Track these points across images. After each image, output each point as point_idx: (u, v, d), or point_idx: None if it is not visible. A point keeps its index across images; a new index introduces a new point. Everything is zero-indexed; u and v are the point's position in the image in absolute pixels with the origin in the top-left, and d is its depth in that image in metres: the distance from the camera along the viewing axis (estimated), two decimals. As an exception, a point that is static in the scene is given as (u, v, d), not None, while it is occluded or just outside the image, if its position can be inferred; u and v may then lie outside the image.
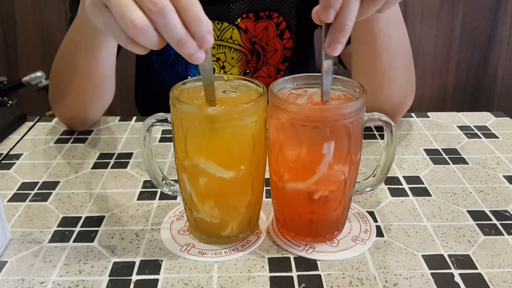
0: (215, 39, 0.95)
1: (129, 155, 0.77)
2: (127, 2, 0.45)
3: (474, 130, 0.84)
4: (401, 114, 0.85)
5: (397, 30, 0.74)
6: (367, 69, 0.77)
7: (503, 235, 0.58)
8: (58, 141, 0.82)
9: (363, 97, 0.51)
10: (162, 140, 0.82)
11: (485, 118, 0.89)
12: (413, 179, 0.70)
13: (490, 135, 0.83)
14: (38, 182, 0.70)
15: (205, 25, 0.46)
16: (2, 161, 0.76)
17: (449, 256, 0.54)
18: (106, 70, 0.77)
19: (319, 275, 0.52)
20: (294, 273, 0.52)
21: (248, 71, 0.99)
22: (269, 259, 0.54)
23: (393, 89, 0.79)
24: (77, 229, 0.60)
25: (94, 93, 0.80)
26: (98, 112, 0.86)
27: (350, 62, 0.88)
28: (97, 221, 0.61)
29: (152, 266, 0.53)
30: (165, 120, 0.54)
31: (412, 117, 0.89)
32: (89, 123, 0.86)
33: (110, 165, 0.74)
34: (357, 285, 0.50)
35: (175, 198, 0.65)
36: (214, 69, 0.98)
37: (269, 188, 0.59)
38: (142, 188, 0.68)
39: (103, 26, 0.48)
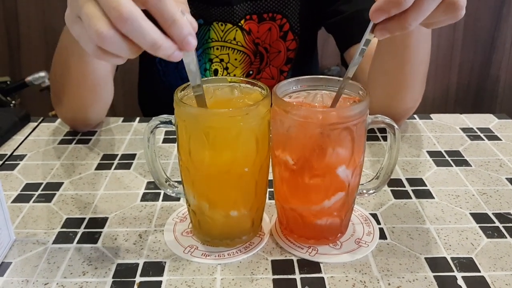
0: (218, 40, 0.95)
1: (132, 156, 0.77)
2: (94, 12, 0.43)
3: (477, 132, 0.84)
4: (407, 117, 0.85)
5: (426, 42, 0.74)
6: (389, 75, 0.77)
7: (506, 237, 0.58)
8: (62, 142, 0.82)
9: (366, 99, 0.51)
10: (165, 141, 0.82)
11: (488, 120, 0.89)
12: (416, 181, 0.70)
13: (493, 137, 0.82)
14: (42, 183, 0.70)
15: (184, 27, 0.43)
16: (6, 162, 0.76)
17: (452, 259, 0.55)
18: (101, 72, 0.77)
19: (322, 278, 0.52)
20: (297, 276, 0.52)
21: (251, 72, 0.99)
22: (272, 261, 0.55)
23: (409, 96, 0.80)
24: (81, 230, 0.60)
25: (92, 96, 0.80)
26: (99, 113, 0.85)
27: None
28: (100, 222, 0.61)
29: (156, 268, 0.54)
30: (169, 122, 0.54)
31: (415, 118, 0.89)
32: (91, 124, 0.86)
33: (114, 166, 0.74)
34: (360, 288, 0.51)
35: (178, 199, 0.65)
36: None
37: (272, 189, 0.59)
38: (146, 189, 0.68)
39: (77, 37, 0.47)
